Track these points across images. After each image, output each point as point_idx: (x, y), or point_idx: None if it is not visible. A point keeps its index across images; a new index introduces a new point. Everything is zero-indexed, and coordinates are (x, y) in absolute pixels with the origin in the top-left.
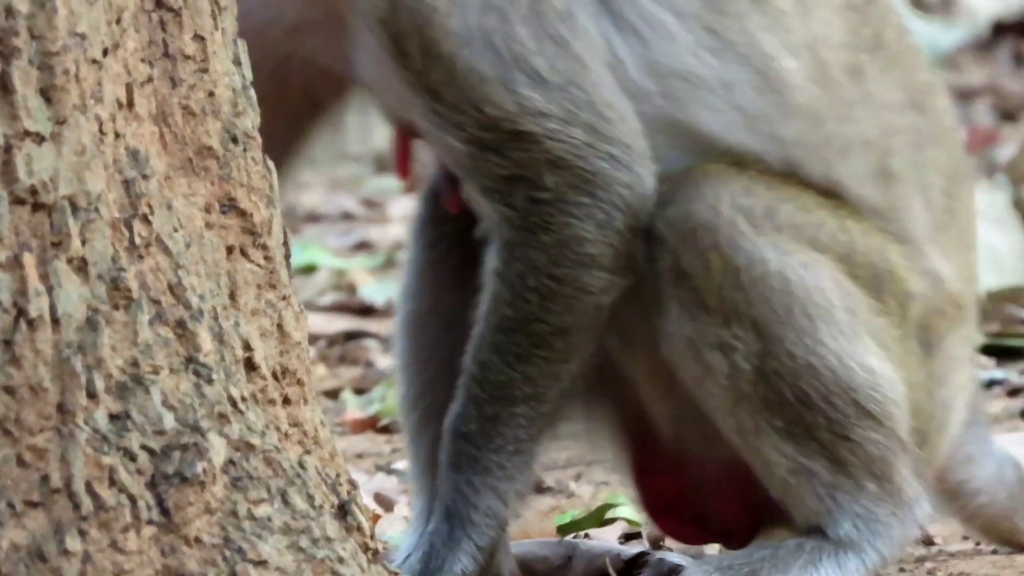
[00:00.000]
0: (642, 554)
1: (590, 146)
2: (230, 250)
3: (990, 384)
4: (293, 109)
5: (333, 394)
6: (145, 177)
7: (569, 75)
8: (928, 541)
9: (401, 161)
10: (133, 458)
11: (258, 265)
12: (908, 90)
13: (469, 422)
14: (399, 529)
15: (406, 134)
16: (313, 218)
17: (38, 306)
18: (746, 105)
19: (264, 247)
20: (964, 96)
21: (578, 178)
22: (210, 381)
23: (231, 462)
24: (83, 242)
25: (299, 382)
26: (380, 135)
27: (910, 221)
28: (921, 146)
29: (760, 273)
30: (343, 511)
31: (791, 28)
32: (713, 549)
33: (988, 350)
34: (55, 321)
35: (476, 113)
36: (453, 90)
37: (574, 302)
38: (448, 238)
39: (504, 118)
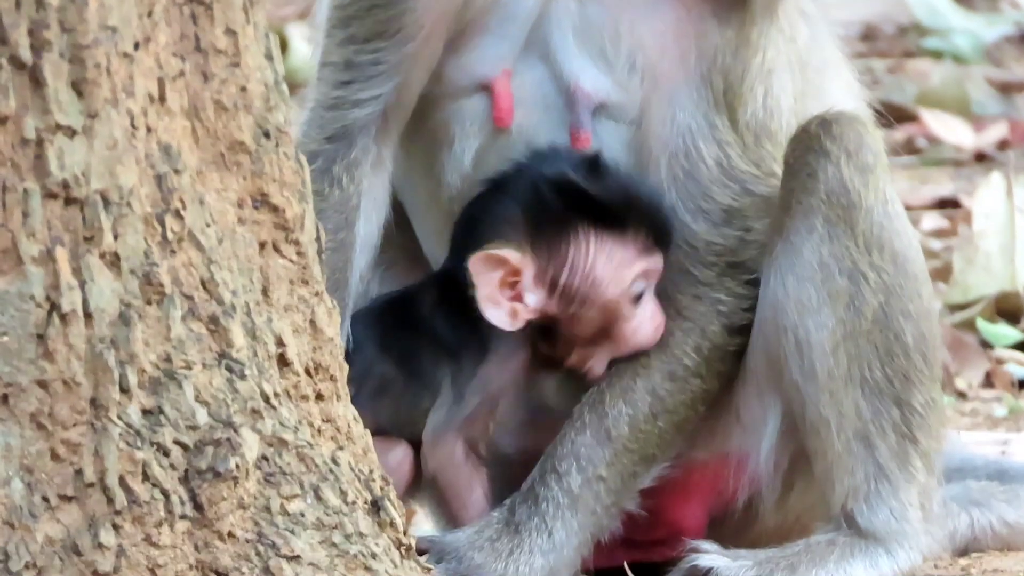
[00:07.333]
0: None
1: None
2: (262, 246)
3: None
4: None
5: None
6: (177, 172)
7: None
8: None
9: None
10: (166, 453)
11: (291, 261)
12: None
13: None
14: (432, 525)
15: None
16: None
17: (71, 300)
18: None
19: (296, 243)
20: (1005, 89)
21: None
22: (243, 377)
23: (264, 458)
24: (115, 236)
25: (332, 378)
26: None
27: None
28: None
29: (899, 210)
30: (376, 507)
31: None
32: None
33: None
34: (88, 315)
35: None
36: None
37: None
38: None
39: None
